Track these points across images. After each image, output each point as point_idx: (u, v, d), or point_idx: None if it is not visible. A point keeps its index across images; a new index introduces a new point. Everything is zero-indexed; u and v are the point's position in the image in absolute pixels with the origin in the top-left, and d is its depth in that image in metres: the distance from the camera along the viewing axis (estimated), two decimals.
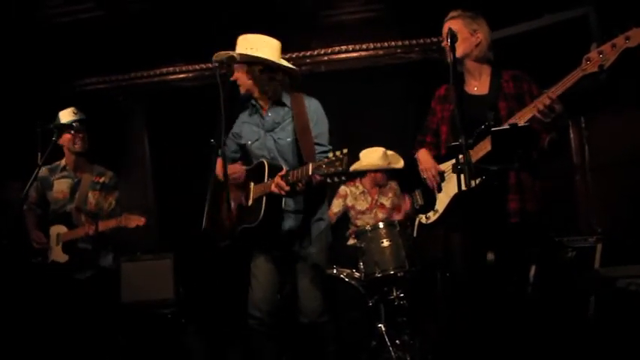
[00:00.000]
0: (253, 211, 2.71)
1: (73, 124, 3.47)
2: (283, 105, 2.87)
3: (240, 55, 2.76)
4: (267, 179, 2.68)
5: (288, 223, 2.80)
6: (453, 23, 2.71)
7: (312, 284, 2.80)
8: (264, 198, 2.67)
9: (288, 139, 2.82)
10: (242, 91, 2.87)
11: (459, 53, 2.69)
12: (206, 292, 4.57)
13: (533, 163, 2.63)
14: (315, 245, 2.81)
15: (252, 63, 2.80)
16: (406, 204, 4.52)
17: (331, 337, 2.84)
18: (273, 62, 2.80)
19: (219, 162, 3.06)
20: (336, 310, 3.74)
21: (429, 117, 2.97)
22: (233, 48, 2.85)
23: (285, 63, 2.87)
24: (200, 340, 4.28)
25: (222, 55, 2.70)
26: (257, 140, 2.90)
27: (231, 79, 2.83)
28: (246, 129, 2.96)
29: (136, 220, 3.37)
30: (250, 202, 2.78)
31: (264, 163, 2.75)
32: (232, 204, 2.85)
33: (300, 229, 2.80)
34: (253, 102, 2.94)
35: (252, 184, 2.81)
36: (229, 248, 2.81)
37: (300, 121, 2.76)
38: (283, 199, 2.71)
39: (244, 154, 3.00)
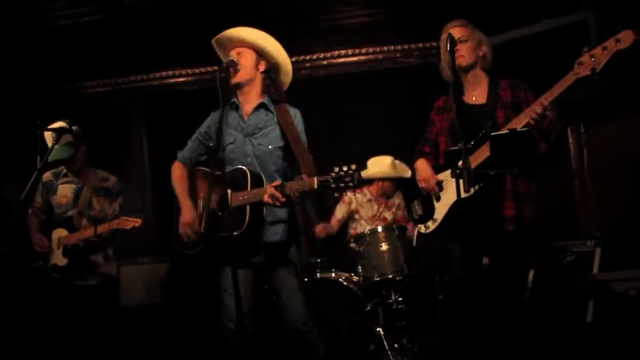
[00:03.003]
0: (234, 220, 2.54)
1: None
2: (268, 111, 2.75)
3: (259, 44, 2.71)
4: (251, 188, 2.54)
5: (269, 233, 2.66)
6: (459, 31, 2.72)
7: (293, 294, 2.68)
8: (248, 207, 2.51)
9: (270, 147, 2.69)
10: (237, 79, 2.69)
11: (466, 62, 2.72)
12: (203, 296, 4.57)
13: (531, 168, 2.63)
14: (294, 256, 2.71)
15: (263, 56, 2.74)
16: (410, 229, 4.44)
17: (317, 341, 2.71)
18: (284, 67, 2.78)
19: (176, 167, 2.98)
20: (334, 314, 3.75)
21: (427, 128, 2.97)
22: None
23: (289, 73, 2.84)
24: (197, 343, 4.27)
25: (245, 31, 2.69)
26: (232, 143, 2.73)
27: (232, 55, 2.72)
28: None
29: (132, 222, 3.35)
30: (229, 210, 2.59)
31: (245, 171, 2.58)
32: (200, 211, 2.73)
33: (281, 239, 2.69)
34: (235, 100, 2.79)
35: (229, 191, 2.59)
36: (203, 257, 2.68)
37: (289, 130, 2.64)
38: (264, 209, 2.58)
39: (213, 156, 2.80)
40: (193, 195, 2.83)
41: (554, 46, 4.19)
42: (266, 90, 2.78)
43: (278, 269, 2.71)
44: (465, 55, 2.72)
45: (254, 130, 2.73)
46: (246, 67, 2.71)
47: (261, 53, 2.74)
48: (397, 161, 4.54)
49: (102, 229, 3.40)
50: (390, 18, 5.06)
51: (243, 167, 2.61)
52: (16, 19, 4.83)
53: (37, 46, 5.10)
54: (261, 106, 2.75)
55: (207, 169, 2.79)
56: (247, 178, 2.56)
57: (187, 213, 2.74)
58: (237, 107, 2.80)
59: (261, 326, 2.79)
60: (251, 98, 2.77)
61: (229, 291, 2.61)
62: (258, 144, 2.71)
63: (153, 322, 4.35)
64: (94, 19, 4.97)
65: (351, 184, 2.21)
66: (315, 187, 2.30)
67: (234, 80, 2.70)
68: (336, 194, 2.29)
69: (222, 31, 2.83)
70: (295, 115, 2.74)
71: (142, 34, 5.09)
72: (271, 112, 2.74)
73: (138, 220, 3.35)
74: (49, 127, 3.37)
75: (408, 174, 4.49)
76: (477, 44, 2.75)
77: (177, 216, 2.81)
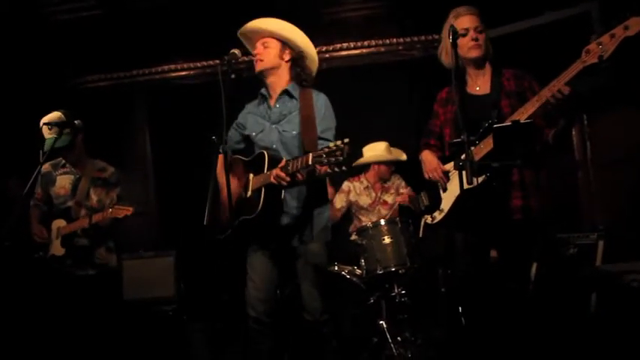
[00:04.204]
0: (252, 203, 2.66)
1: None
2: (292, 97, 2.82)
3: (284, 34, 2.78)
4: (267, 170, 2.63)
5: (288, 216, 2.73)
6: (474, 20, 2.68)
7: (313, 284, 2.75)
8: (263, 189, 2.62)
9: (294, 132, 2.76)
10: (260, 67, 2.80)
11: (482, 52, 2.69)
12: (207, 289, 4.58)
13: (537, 158, 2.62)
14: (315, 242, 2.76)
15: (288, 45, 2.80)
16: (406, 191, 4.47)
17: (331, 334, 2.80)
18: (310, 54, 2.83)
19: (220, 160, 3.03)
20: (337, 306, 3.76)
21: (431, 120, 2.95)
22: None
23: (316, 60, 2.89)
24: (201, 337, 4.29)
25: (268, 22, 2.76)
26: (261, 132, 2.85)
27: (255, 51, 2.80)
28: (251, 120, 2.91)
29: (125, 210, 3.35)
30: (249, 193, 2.72)
31: (264, 154, 2.70)
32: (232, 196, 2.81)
33: (301, 223, 2.74)
34: (263, 91, 2.89)
35: (251, 175, 2.75)
36: (228, 241, 2.76)
37: (305, 113, 2.71)
38: (283, 192, 2.66)
39: (248, 145, 2.94)
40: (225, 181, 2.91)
41: (558, 39, 4.17)
42: (295, 78, 2.84)
43: (297, 256, 2.78)
44: (482, 45, 2.68)
45: (279, 117, 2.82)
46: (270, 55, 2.80)
47: (285, 42, 2.81)
48: (392, 148, 4.57)
49: (96, 218, 3.40)
50: (392, 11, 5.04)
51: (264, 151, 2.71)
52: (15, 14, 4.82)
53: (38, 42, 5.09)
54: (285, 92, 2.83)
55: (241, 157, 2.91)
56: (265, 161, 2.67)
57: (225, 194, 2.85)
58: (265, 97, 2.89)
59: (278, 316, 2.85)
60: (277, 87, 2.85)
61: (252, 277, 2.77)
62: (284, 130, 2.79)
63: (156, 316, 4.36)
64: (93, 13, 4.97)
65: (340, 157, 2.25)
66: (310, 162, 2.37)
67: (258, 68, 2.81)
68: (329, 170, 2.32)
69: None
70: (318, 99, 2.80)
71: (143, 28, 5.08)
72: (295, 98, 2.81)
73: (130, 208, 3.36)
74: (45, 117, 3.39)
75: (403, 157, 4.55)
76: (486, 35, 2.72)
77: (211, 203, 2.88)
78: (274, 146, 2.78)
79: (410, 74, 5.11)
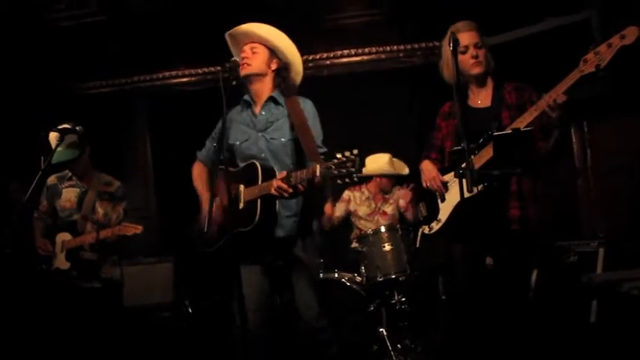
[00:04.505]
0: (246, 215, 2.55)
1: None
2: (278, 104, 2.76)
3: (274, 42, 2.73)
4: (262, 181, 2.56)
5: (283, 227, 2.66)
6: (474, 35, 2.69)
7: (308, 290, 2.69)
8: (259, 201, 2.53)
9: (283, 139, 2.70)
10: (247, 71, 2.72)
11: (483, 69, 2.71)
12: (206, 295, 4.57)
13: (534, 167, 2.63)
14: (307, 249, 2.71)
15: (276, 54, 2.75)
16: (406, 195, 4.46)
17: (331, 341, 2.75)
18: (295, 66, 2.80)
19: (196, 166, 2.95)
20: (337, 314, 3.75)
21: (433, 133, 2.96)
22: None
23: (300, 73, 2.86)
24: (200, 343, 4.27)
25: (260, 27, 2.71)
26: (247, 140, 2.75)
27: (243, 54, 2.73)
28: (234, 128, 2.81)
29: (133, 229, 3.37)
30: (242, 205, 2.62)
31: (255, 165, 2.61)
32: (217, 208, 2.72)
33: (298, 233, 2.69)
34: (246, 97, 2.82)
35: (241, 186, 2.64)
36: (220, 254, 2.68)
37: (298, 121, 2.63)
38: (277, 202, 2.59)
39: (230, 154, 2.80)
40: (215, 193, 2.82)
41: (557, 46, 4.19)
42: (277, 87, 2.79)
43: (290, 265, 2.71)
44: (482, 61, 2.69)
45: (265, 124, 2.74)
46: (258, 61, 2.73)
47: (274, 51, 2.76)
48: (395, 159, 4.57)
49: (104, 234, 3.41)
50: (392, 18, 5.06)
51: (255, 162, 2.62)
52: (18, 20, 4.84)
53: (41, 47, 5.11)
54: (271, 99, 2.77)
55: (226, 168, 2.78)
56: (258, 172, 2.59)
57: (206, 205, 2.75)
58: (248, 104, 2.82)
59: (274, 326, 2.80)
60: (262, 94, 2.78)
61: (246, 289, 2.58)
62: (271, 138, 2.72)
63: (156, 322, 4.35)
64: (95, 20, 4.98)
65: (352, 169, 2.19)
66: (318, 174, 2.29)
67: (244, 72, 2.71)
68: (339, 181, 2.26)
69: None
70: (305, 105, 2.74)
71: (144, 34, 5.10)
72: (281, 104, 2.75)
73: (139, 227, 3.39)
74: (55, 129, 3.36)
75: (406, 171, 4.53)
76: (487, 50, 2.73)
77: (200, 215, 2.82)
78: (263, 155, 2.69)
79: (410, 81, 5.12)
